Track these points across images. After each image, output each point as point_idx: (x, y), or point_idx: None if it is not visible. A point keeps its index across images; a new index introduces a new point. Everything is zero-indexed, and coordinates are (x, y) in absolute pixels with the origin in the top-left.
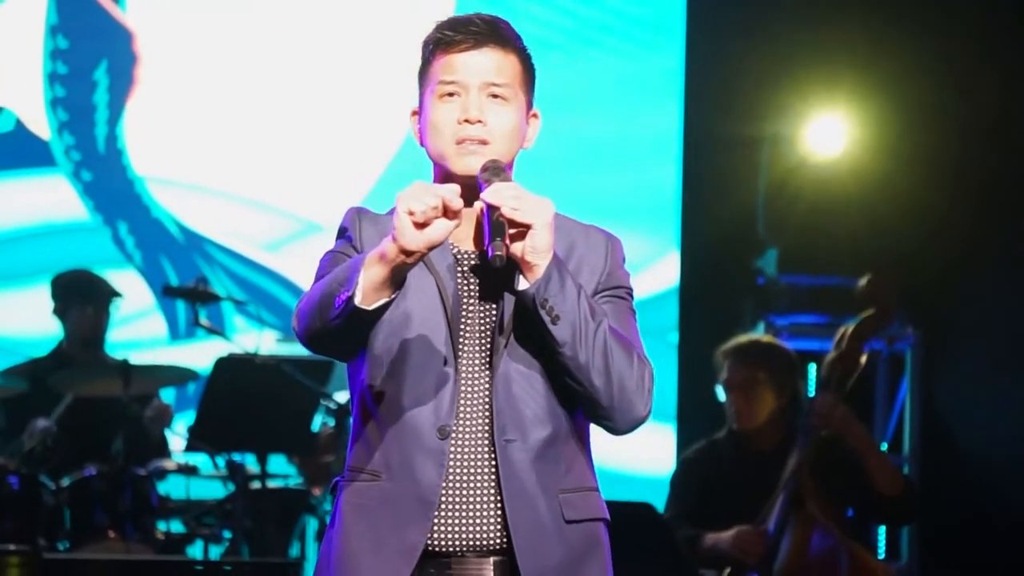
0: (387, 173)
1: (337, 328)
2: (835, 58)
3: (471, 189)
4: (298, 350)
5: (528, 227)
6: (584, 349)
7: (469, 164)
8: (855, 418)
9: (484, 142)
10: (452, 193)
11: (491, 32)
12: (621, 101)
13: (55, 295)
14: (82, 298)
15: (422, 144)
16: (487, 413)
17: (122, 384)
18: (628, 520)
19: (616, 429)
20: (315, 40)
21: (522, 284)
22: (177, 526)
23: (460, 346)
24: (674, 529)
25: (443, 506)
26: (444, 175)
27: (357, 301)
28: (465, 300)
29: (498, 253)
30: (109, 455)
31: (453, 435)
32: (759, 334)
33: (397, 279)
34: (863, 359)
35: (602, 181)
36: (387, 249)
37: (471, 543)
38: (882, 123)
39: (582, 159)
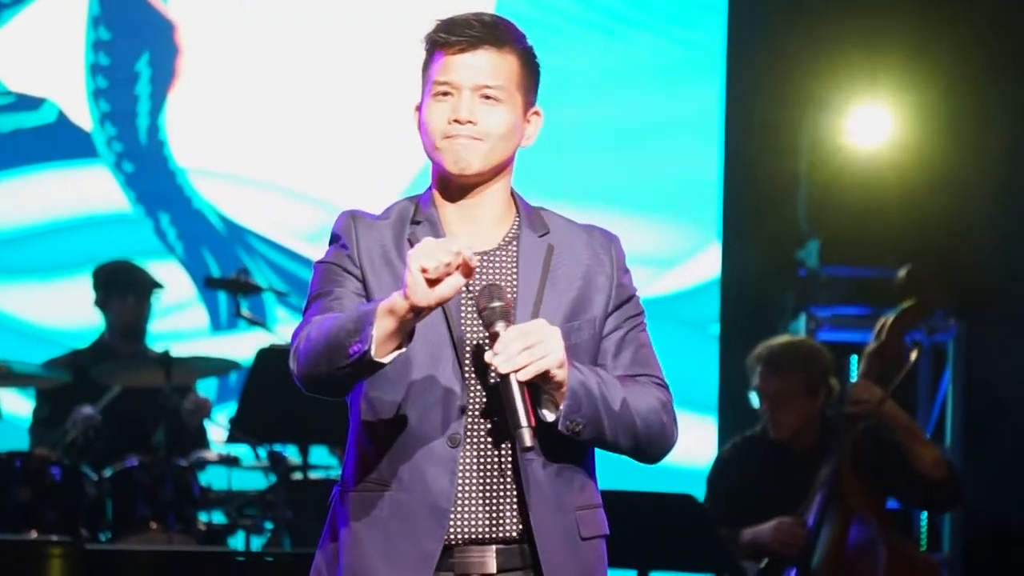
0: (429, 163)
1: (347, 376)
2: (879, 46)
3: (464, 186)
4: None
5: (546, 373)
6: (610, 433)
7: (459, 159)
8: (894, 402)
9: (476, 139)
10: (468, 250)
11: (487, 34)
12: (662, 93)
13: (97, 286)
14: (123, 289)
15: (421, 139)
16: (503, 426)
17: (164, 375)
18: (669, 512)
19: (649, 463)
20: (357, 31)
21: (547, 416)
22: (219, 517)
23: (465, 354)
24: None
25: (455, 510)
26: (439, 174)
27: (372, 354)
28: (468, 305)
29: (528, 445)
30: (151, 446)
31: (464, 443)
32: (790, 335)
33: (407, 330)
34: (913, 355)
35: (644, 173)
36: (397, 305)
37: (474, 537)
38: (926, 112)
39: (624, 151)
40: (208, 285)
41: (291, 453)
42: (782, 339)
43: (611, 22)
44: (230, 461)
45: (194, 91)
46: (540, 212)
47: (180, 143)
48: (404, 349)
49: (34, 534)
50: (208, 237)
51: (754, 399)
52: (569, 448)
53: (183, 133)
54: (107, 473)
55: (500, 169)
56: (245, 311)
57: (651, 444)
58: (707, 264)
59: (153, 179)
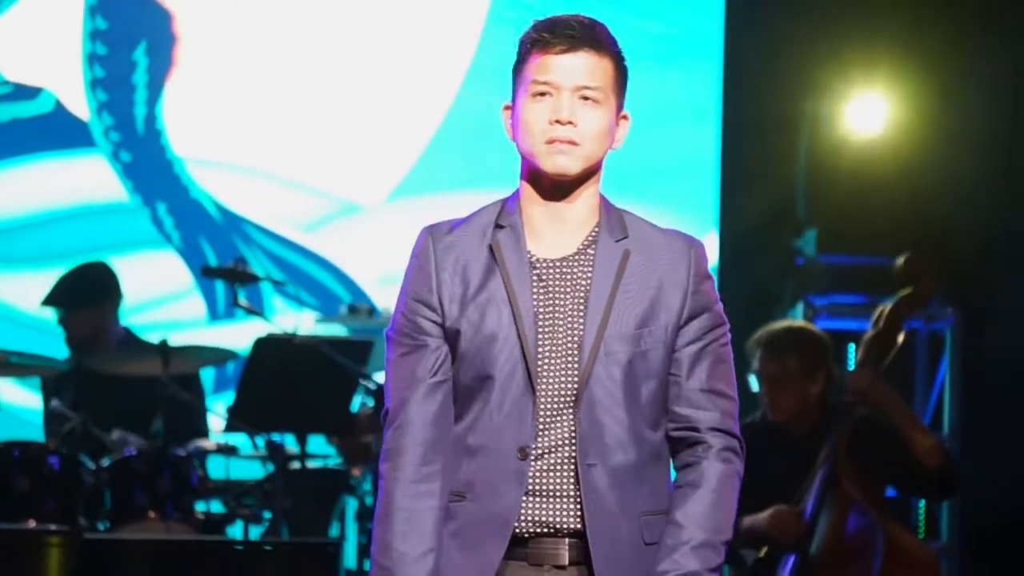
0: (426, 152)
1: None
2: (876, 34)
3: (558, 186)
4: (337, 330)
5: None
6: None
7: (558, 163)
8: (891, 389)
9: (573, 143)
10: None
11: (587, 35)
12: (660, 81)
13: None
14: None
15: (513, 139)
16: (569, 433)
17: (161, 364)
18: None
19: None
20: (355, 20)
21: None
22: (217, 506)
23: (540, 365)
24: None
25: (521, 519)
26: (532, 171)
27: None
28: (544, 314)
29: None
30: (149, 435)
31: (533, 454)
32: (791, 320)
33: None
34: (900, 337)
35: (640, 161)
36: None
37: (543, 531)
38: (923, 100)
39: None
40: (205, 274)
41: (289, 442)
42: (782, 323)
43: (607, 8)
44: (228, 450)
45: (191, 80)
46: (623, 216)
47: (177, 132)
48: None
49: (32, 523)
50: (205, 226)
51: (753, 383)
52: (639, 456)
53: (180, 122)
54: (105, 462)
55: (593, 171)
56: (242, 300)
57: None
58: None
59: (150, 168)
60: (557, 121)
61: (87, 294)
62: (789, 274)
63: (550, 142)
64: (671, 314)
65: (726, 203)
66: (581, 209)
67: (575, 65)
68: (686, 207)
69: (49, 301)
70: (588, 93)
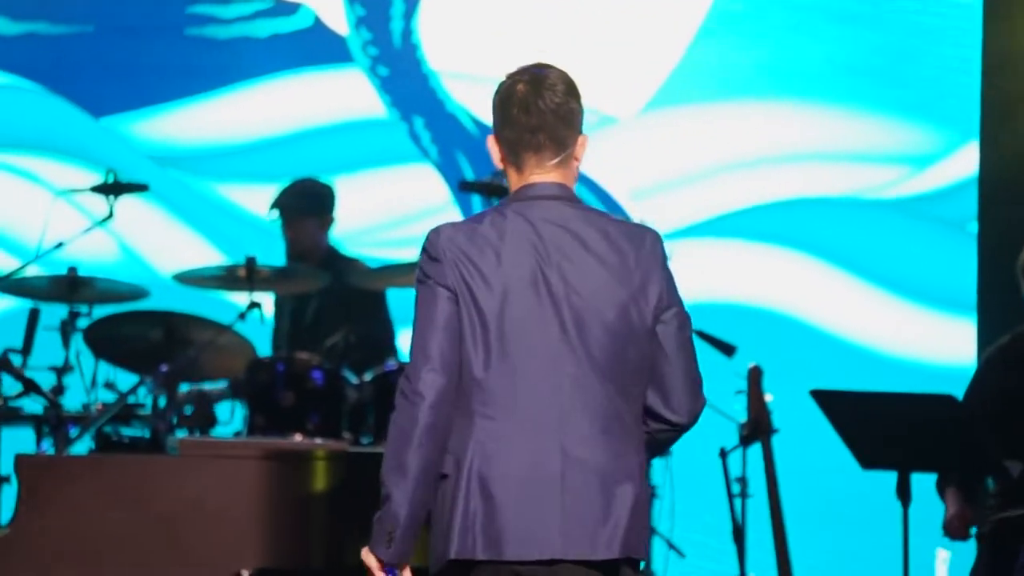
0: (681, 64)
1: None
2: None
3: None
4: None
5: None
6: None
7: None
8: None
9: None
10: None
11: None
12: (921, 14)
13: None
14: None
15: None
16: None
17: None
18: (930, 412)
19: None
20: None
21: None
22: None
23: None
24: None
25: None
26: None
27: None
28: None
29: None
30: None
31: None
32: None
33: None
34: None
35: (901, 71)
36: None
37: None
38: None
39: (881, 49)
40: (462, 188)
41: None
42: None
43: None
44: None
45: None
46: None
47: (433, 46)
48: None
49: (298, 437)
50: (461, 140)
51: None
52: None
53: (436, 36)
54: (367, 377)
55: None
56: None
57: None
58: (965, 162)
59: (407, 83)
60: None
61: (315, 204)
62: None
63: None
64: None
65: (987, 110)
66: None
67: None
68: (946, 116)
69: (277, 205)
70: None
